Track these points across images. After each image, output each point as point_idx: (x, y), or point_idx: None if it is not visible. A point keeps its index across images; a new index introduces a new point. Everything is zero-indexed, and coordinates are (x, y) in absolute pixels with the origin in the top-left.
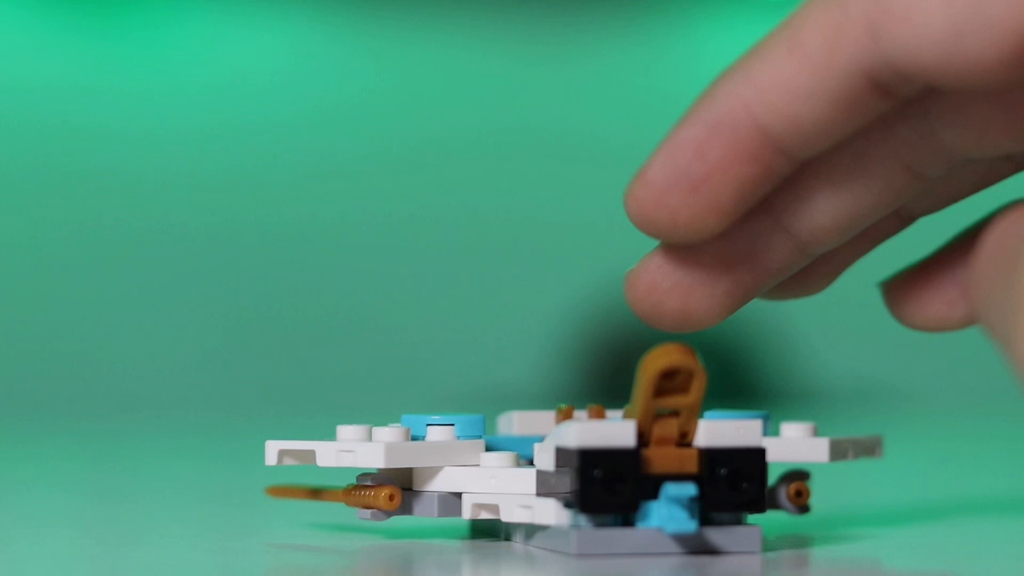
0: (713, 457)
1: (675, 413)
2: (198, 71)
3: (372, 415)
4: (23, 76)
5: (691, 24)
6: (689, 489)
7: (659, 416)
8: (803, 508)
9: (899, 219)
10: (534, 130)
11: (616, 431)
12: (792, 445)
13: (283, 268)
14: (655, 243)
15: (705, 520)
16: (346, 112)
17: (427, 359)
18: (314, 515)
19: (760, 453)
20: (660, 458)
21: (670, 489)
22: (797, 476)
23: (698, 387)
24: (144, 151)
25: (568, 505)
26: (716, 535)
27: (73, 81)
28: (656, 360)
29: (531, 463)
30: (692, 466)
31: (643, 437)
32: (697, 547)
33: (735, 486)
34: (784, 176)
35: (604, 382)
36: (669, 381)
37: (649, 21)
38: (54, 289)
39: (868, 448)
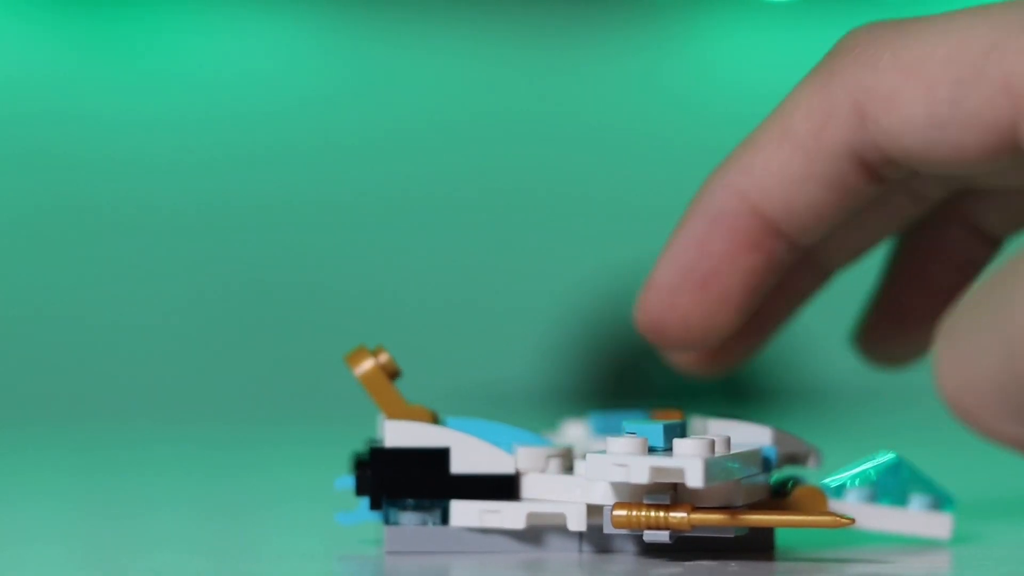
0: None
1: None
2: (195, 69)
3: (370, 414)
4: (17, 71)
5: (699, 26)
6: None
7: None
8: None
9: (978, 237)
10: (537, 127)
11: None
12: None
13: (281, 268)
14: (657, 242)
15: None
16: (347, 111)
17: (426, 357)
18: (309, 522)
19: (441, 453)
20: None
21: None
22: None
23: None
24: (143, 150)
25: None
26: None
27: (66, 76)
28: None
29: None
30: None
31: None
32: (482, 547)
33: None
34: (788, 265)
35: (610, 382)
36: None
37: (656, 22)
38: (54, 289)
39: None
